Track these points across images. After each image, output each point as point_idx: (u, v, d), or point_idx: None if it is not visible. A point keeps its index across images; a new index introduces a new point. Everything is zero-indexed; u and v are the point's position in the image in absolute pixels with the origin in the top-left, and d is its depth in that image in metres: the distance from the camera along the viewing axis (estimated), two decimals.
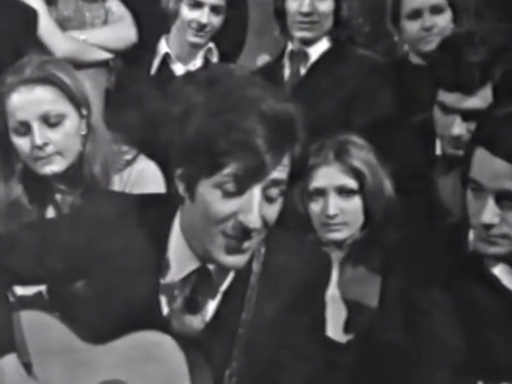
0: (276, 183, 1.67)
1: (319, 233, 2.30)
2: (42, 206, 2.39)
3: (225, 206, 1.66)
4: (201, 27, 3.14)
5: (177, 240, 1.80)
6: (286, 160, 1.68)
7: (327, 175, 2.27)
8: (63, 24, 3.25)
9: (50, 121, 2.30)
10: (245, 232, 1.67)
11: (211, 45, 3.24)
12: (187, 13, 3.15)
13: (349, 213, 2.28)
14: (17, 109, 2.30)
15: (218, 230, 1.68)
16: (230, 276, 1.81)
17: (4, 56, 2.63)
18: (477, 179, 1.93)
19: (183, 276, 1.80)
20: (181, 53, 3.23)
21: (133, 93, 3.11)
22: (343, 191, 2.27)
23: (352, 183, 2.27)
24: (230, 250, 1.70)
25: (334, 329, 2.24)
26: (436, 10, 3.02)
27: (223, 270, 1.79)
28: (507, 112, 1.94)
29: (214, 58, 3.24)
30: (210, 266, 1.79)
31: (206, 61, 3.23)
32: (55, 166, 2.31)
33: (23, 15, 3.02)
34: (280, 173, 1.67)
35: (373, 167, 2.30)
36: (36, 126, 2.28)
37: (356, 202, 2.29)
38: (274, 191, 1.68)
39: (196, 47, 3.21)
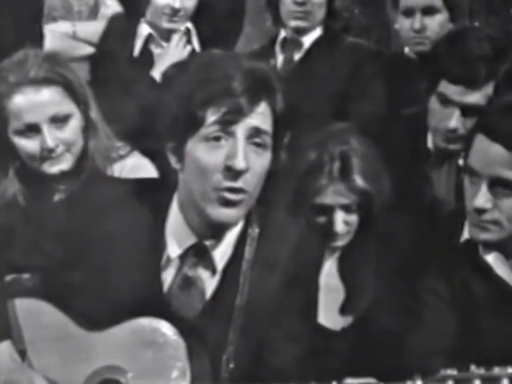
0: (258, 131, 1.74)
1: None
2: (38, 205, 2.33)
3: (213, 157, 1.72)
4: (174, 12, 3.08)
5: (175, 219, 1.83)
6: (265, 110, 1.75)
7: (333, 193, 2.26)
8: (50, 14, 3.21)
9: (58, 122, 2.27)
10: (233, 177, 1.72)
11: (189, 25, 3.18)
12: None
13: (352, 224, 2.30)
14: (24, 111, 2.24)
15: (211, 186, 1.73)
16: (228, 253, 1.83)
17: (10, 44, 2.57)
18: (473, 165, 1.98)
19: (181, 253, 1.82)
20: (160, 36, 3.18)
21: (117, 81, 3.08)
22: (349, 208, 2.28)
23: (357, 201, 2.28)
24: (223, 202, 1.74)
25: (329, 317, 2.25)
26: (428, 11, 2.95)
27: (219, 243, 1.82)
28: (507, 101, 2.04)
29: (193, 38, 3.19)
30: (207, 242, 1.82)
31: (187, 41, 3.17)
32: (63, 165, 2.29)
33: (31, 3, 2.99)
34: (261, 122, 1.74)
35: (376, 178, 2.29)
36: (45, 128, 2.25)
37: (359, 215, 2.30)
38: (258, 140, 1.74)
39: (172, 32, 3.16)
